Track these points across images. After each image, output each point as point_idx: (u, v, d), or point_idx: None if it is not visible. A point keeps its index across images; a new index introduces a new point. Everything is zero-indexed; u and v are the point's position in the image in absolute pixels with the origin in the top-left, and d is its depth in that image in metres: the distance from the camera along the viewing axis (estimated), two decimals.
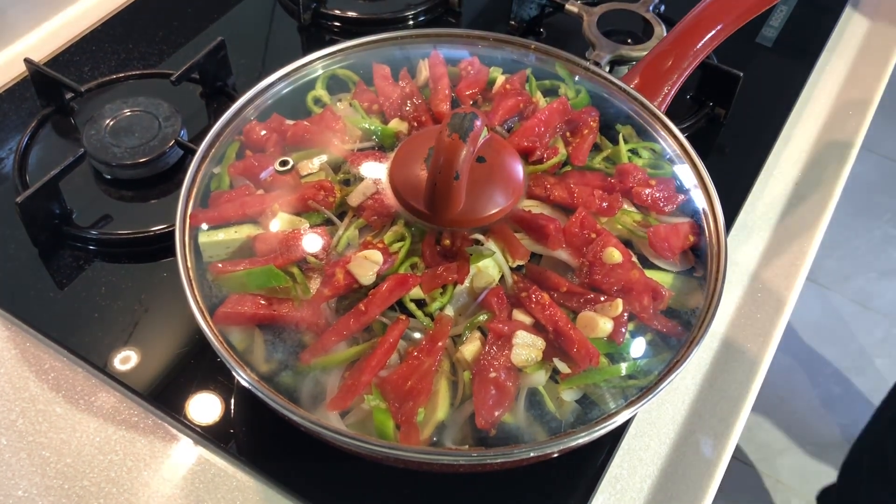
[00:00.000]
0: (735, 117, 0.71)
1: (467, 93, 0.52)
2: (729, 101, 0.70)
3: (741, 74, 0.68)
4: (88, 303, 0.55)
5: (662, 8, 0.80)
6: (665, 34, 0.71)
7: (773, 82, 0.76)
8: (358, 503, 0.47)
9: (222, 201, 0.45)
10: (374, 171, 0.47)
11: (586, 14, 0.73)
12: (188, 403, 0.50)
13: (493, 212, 0.44)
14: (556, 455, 0.42)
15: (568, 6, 0.74)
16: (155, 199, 0.61)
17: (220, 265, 0.43)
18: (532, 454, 0.38)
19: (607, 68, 0.72)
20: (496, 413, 0.39)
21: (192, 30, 0.75)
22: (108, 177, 0.61)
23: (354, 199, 0.46)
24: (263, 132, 0.49)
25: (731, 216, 0.65)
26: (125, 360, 0.52)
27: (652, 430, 0.53)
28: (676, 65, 0.56)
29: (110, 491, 0.48)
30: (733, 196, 0.66)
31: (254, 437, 0.49)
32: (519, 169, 0.46)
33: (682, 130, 0.68)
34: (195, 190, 0.45)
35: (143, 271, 0.57)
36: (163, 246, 0.58)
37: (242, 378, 0.39)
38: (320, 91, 0.53)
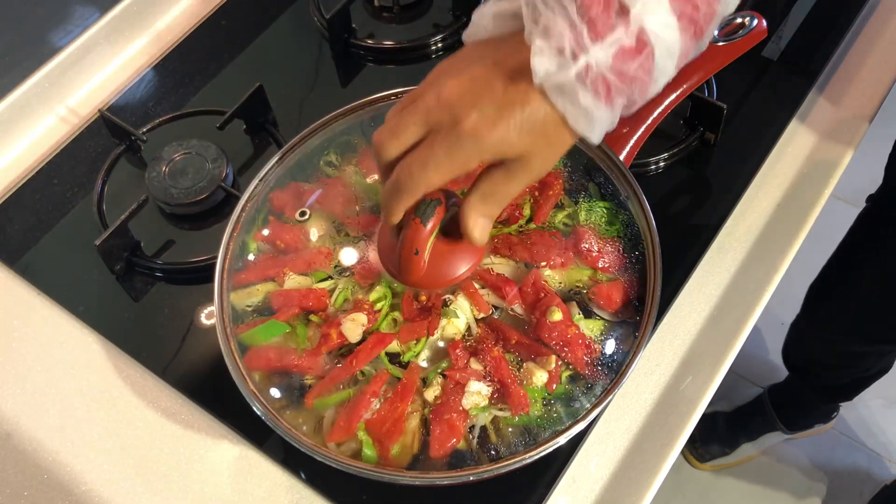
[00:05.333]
0: (728, 138, 0.77)
1: None
2: (717, 128, 0.77)
3: (724, 107, 0.75)
4: (153, 319, 0.69)
5: None
6: None
7: (771, 100, 0.82)
8: (359, 496, 0.60)
9: (249, 266, 0.57)
10: (367, 234, 0.58)
11: None
12: (232, 406, 0.63)
13: (452, 277, 0.54)
14: (505, 472, 0.53)
15: None
16: (207, 229, 0.74)
17: (239, 327, 0.55)
18: (471, 478, 0.50)
19: None
20: (447, 445, 0.50)
21: (234, 64, 0.85)
22: (168, 211, 0.74)
23: (349, 260, 0.57)
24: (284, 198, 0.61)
25: (707, 240, 0.73)
26: (178, 368, 0.66)
27: (609, 439, 0.64)
28: (641, 120, 0.64)
29: (173, 478, 0.62)
30: (713, 219, 0.74)
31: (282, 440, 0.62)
32: None
33: (676, 153, 0.76)
34: (228, 260, 0.57)
35: (195, 292, 0.70)
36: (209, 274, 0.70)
37: (267, 421, 0.52)
38: (332, 155, 0.63)
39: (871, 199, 1.06)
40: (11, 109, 0.80)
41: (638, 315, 0.55)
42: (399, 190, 0.46)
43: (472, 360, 0.53)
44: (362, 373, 0.54)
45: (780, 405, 1.43)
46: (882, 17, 0.87)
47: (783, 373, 1.46)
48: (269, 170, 0.61)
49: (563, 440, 0.51)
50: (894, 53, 0.85)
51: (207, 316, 0.69)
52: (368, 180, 0.62)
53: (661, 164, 0.76)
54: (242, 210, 0.60)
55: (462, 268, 0.55)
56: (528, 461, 0.51)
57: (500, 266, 0.57)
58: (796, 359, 1.33)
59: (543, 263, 0.57)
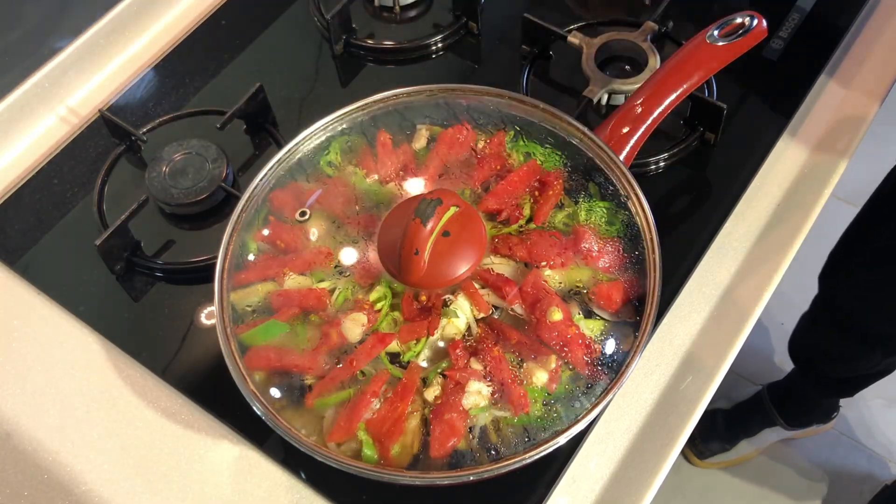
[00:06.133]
0: (728, 138, 0.77)
1: (456, 158, 0.62)
2: (717, 129, 0.77)
3: (724, 107, 0.75)
4: (153, 319, 0.69)
5: (671, 25, 0.86)
6: (658, 65, 0.78)
7: (771, 100, 0.82)
8: (359, 496, 0.60)
9: (249, 266, 0.57)
10: (367, 234, 0.58)
11: (586, 46, 0.80)
12: (232, 406, 0.63)
13: (452, 277, 0.54)
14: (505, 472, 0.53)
15: (570, 38, 0.81)
16: (208, 228, 0.74)
17: (239, 327, 0.55)
18: (471, 478, 0.50)
19: (605, 99, 0.80)
20: (448, 445, 0.51)
21: (234, 64, 0.85)
22: (168, 211, 0.73)
23: (349, 259, 0.57)
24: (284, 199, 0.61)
25: (707, 240, 0.73)
26: (178, 368, 0.66)
27: (609, 439, 0.64)
28: (641, 120, 0.64)
29: (173, 478, 0.62)
30: (713, 218, 0.74)
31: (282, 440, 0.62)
32: (481, 239, 0.56)
33: (676, 153, 0.76)
34: (228, 260, 0.57)
35: (195, 292, 0.70)
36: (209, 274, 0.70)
37: (267, 421, 0.52)
38: (332, 155, 0.63)
39: None
40: (11, 109, 0.80)
41: (638, 315, 0.56)
42: None
43: (472, 360, 0.53)
44: (362, 373, 0.54)
45: (779, 401, 1.43)
46: (882, 17, 0.87)
47: (783, 373, 1.46)
48: (269, 170, 0.62)
49: (563, 440, 0.51)
50: (894, 53, 0.85)
51: (207, 316, 0.69)
52: (368, 180, 0.62)
53: (661, 164, 0.76)
54: (242, 210, 0.60)
55: (462, 268, 0.55)
56: (528, 461, 0.51)
57: (500, 266, 0.57)
58: (803, 349, 1.33)
59: (543, 263, 0.57)
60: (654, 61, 0.79)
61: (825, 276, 1.20)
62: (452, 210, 0.54)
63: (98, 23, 0.84)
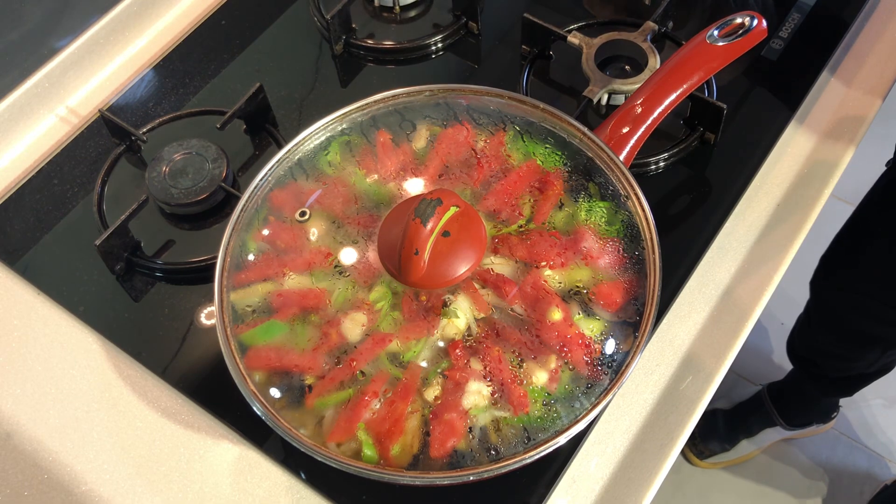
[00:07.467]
0: (728, 138, 0.77)
1: (456, 158, 0.62)
2: (717, 129, 0.77)
3: (724, 107, 0.75)
4: (153, 319, 0.69)
5: (671, 25, 0.87)
6: (658, 65, 0.78)
7: (771, 100, 0.82)
8: (359, 496, 0.60)
9: (249, 266, 0.57)
10: (367, 234, 0.58)
11: (586, 46, 0.80)
12: (232, 406, 0.63)
13: (452, 277, 0.54)
14: (505, 472, 0.53)
15: (570, 38, 0.81)
16: (207, 228, 0.74)
17: (239, 327, 0.55)
18: (471, 478, 0.50)
19: (605, 99, 0.80)
20: (447, 445, 0.51)
21: (234, 64, 0.85)
22: (168, 211, 0.74)
23: (349, 259, 0.57)
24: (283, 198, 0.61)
25: (707, 240, 0.73)
26: (178, 368, 0.66)
27: (609, 439, 0.64)
28: (641, 120, 0.64)
29: (173, 478, 0.62)
30: (713, 218, 0.74)
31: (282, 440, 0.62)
32: (481, 239, 0.56)
33: (676, 153, 0.76)
34: (228, 260, 0.57)
35: (194, 292, 0.70)
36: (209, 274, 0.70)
37: (267, 421, 0.52)
38: (332, 155, 0.63)
39: (890, 163, 1.03)
40: (11, 109, 0.80)
41: (638, 315, 0.55)
42: None
43: (472, 360, 0.53)
44: (362, 373, 0.54)
45: (779, 401, 1.44)
46: (882, 17, 0.87)
47: (783, 372, 1.46)
48: (269, 170, 0.62)
49: (563, 440, 0.51)
50: (894, 53, 0.85)
51: (207, 316, 0.69)
52: (368, 180, 0.62)
53: (661, 164, 0.76)
54: (242, 210, 0.60)
55: (462, 268, 0.55)
56: (528, 461, 0.51)
57: (500, 266, 0.57)
58: (800, 349, 1.33)
59: (543, 263, 0.57)
60: (654, 61, 0.79)
61: (817, 281, 1.21)
62: (452, 210, 0.54)
63: (98, 23, 0.84)
